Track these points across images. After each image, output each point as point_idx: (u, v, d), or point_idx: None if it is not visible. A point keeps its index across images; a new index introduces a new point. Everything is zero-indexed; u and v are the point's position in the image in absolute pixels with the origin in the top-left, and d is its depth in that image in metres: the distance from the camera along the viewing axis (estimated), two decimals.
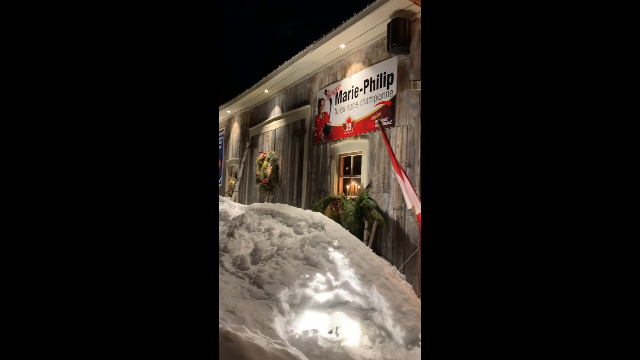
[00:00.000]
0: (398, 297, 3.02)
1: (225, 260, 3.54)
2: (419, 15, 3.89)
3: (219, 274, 3.26)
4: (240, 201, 8.71)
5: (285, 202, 6.52)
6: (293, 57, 5.72)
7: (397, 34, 3.90)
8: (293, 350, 2.00)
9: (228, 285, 3.07)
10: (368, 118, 4.63)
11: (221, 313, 2.53)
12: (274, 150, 7.37)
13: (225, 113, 10.23)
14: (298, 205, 6.14)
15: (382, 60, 4.49)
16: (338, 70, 5.43)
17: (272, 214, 4.68)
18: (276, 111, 7.53)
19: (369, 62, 4.75)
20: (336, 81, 5.41)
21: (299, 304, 3.07)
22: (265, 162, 7.42)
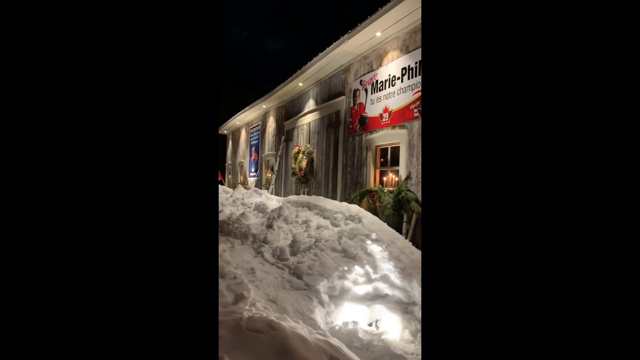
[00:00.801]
0: None
1: (265, 251, 3.64)
2: None
3: (260, 264, 3.36)
4: (277, 194, 8.90)
5: (320, 195, 6.56)
6: (327, 49, 5.67)
7: None
8: (335, 341, 2.02)
9: (269, 276, 3.15)
10: (406, 107, 4.48)
11: (263, 302, 2.60)
12: (309, 143, 7.41)
13: (260, 108, 10.45)
14: (333, 197, 6.14)
15: (421, 47, 4.29)
16: (374, 60, 5.29)
17: (309, 207, 4.72)
18: (310, 104, 7.55)
19: (406, 49, 4.58)
20: (372, 71, 5.29)
21: (338, 295, 3.08)
22: (300, 155, 7.49)
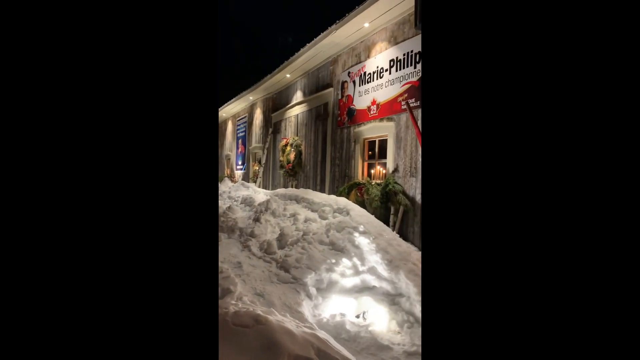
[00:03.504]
0: None
1: (253, 245, 3.60)
2: None
3: (247, 258, 3.33)
4: (264, 187, 8.83)
5: (309, 188, 6.53)
6: (315, 39, 5.58)
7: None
8: (322, 334, 2.01)
9: (256, 270, 3.12)
10: (394, 100, 4.47)
11: (250, 296, 2.58)
12: (297, 135, 7.34)
13: (247, 99, 10.28)
14: (322, 190, 6.12)
15: (409, 38, 4.27)
16: (362, 51, 5.24)
17: (297, 200, 4.69)
18: (298, 96, 7.46)
19: (394, 41, 4.55)
20: (360, 62, 5.24)
21: (325, 288, 3.09)
22: (288, 148, 7.42)
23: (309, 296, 2.90)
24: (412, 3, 3.98)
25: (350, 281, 3.15)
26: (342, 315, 2.79)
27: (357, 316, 2.89)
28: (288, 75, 7.45)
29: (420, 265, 3.20)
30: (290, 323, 2.00)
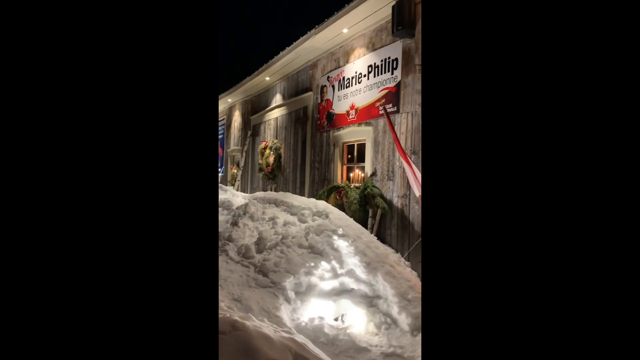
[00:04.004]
0: (403, 285, 3.02)
1: (230, 250, 3.54)
2: None
3: (225, 263, 3.27)
4: (243, 190, 8.71)
5: (288, 191, 6.50)
6: (294, 43, 5.59)
7: (402, 17, 3.79)
8: (300, 338, 2.01)
9: (233, 274, 3.07)
10: (372, 105, 4.55)
11: (227, 302, 2.53)
12: (276, 138, 7.31)
13: (226, 101, 10.13)
14: (301, 194, 6.12)
15: (386, 45, 4.37)
16: (341, 56, 5.31)
17: (276, 203, 4.66)
18: (278, 99, 7.43)
19: (372, 47, 4.64)
20: (339, 67, 5.31)
21: (304, 292, 3.08)
22: (267, 151, 7.36)
23: (288, 300, 2.89)
24: (390, 11, 4.08)
25: (329, 284, 3.17)
26: (321, 318, 2.79)
27: (336, 319, 2.91)
28: (267, 78, 7.42)
29: (397, 267, 3.26)
30: (267, 328, 1.98)
